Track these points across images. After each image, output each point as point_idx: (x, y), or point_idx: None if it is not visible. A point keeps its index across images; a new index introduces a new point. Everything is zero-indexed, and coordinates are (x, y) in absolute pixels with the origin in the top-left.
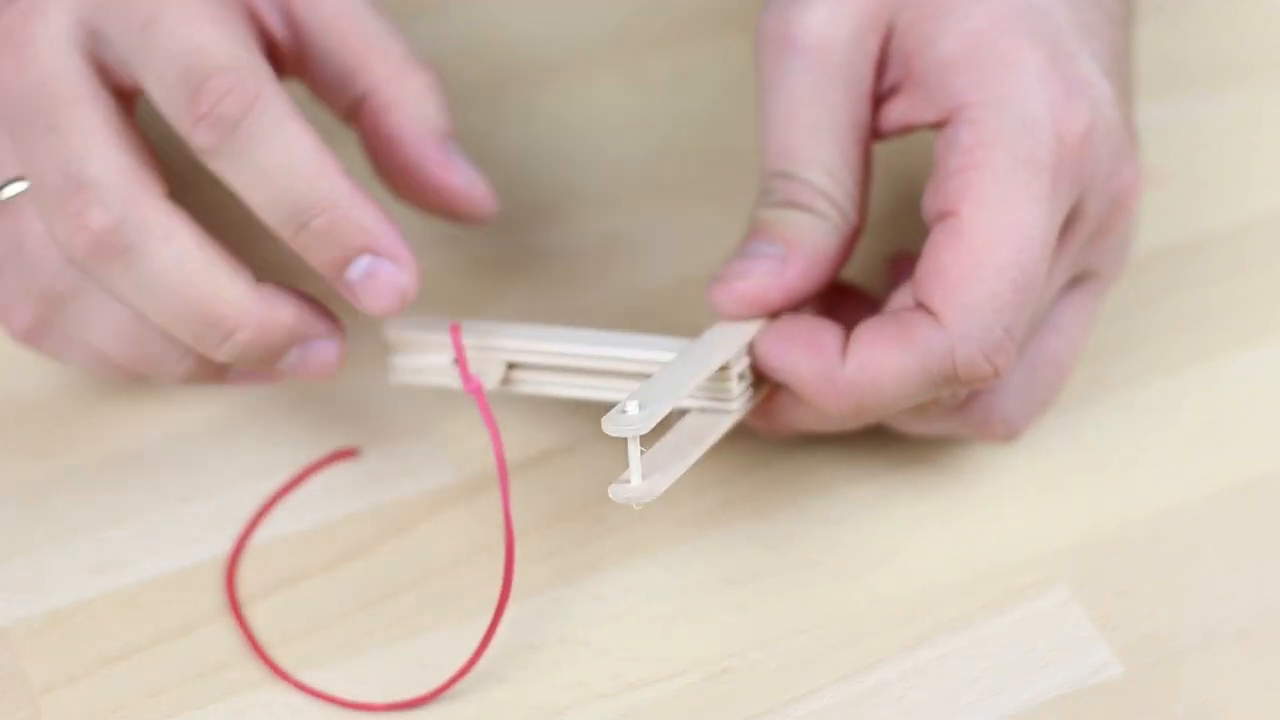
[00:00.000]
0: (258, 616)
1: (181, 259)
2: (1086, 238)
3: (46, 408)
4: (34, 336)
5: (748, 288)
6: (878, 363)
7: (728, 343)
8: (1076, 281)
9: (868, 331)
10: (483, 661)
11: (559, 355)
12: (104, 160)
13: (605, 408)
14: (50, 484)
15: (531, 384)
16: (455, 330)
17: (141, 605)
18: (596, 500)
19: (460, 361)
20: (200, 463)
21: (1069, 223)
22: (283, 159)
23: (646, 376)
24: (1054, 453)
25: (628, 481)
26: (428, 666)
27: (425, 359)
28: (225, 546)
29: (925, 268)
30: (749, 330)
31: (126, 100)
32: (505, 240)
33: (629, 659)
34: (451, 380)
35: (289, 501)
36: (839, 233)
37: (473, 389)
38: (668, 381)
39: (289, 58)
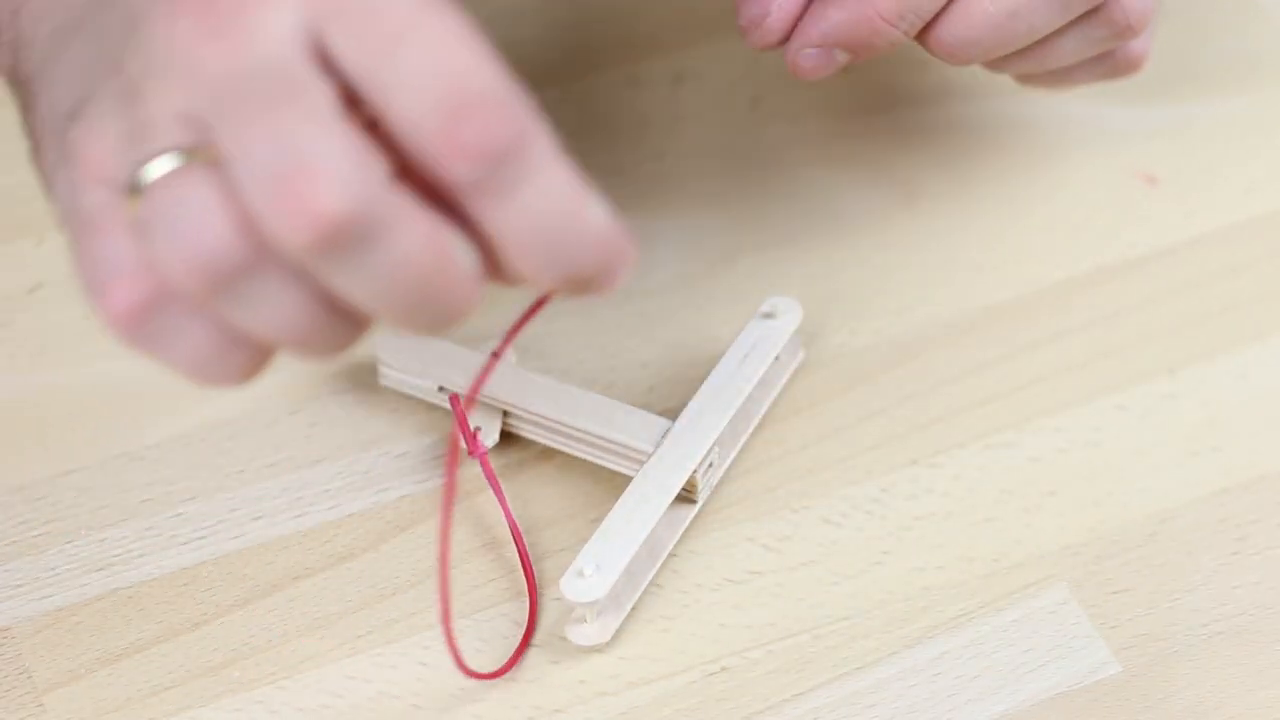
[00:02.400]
0: (258, 615)
1: (420, 247)
2: None
3: (48, 407)
4: (137, 321)
5: (778, 16)
6: None
7: (687, 458)
8: None
9: None
10: (482, 660)
11: (546, 419)
12: (337, 142)
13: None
14: (52, 483)
15: (526, 432)
16: (455, 401)
17: (144, 604)
18: (596, 500)
19: (463, 427)
20: (201, 463)
21: None
22: (554, 202)
23: (632, 454)
24: (1053, 453)
25: (584, 620)
26: (428, 666)
27: (413, 380)
28: (226, 546)
29: None
30: (709, 438)
31: None
32: None
33: (629, 658)
34: (438, 399)
35: (286, 502)
36: None
37: (479, 455)
38: (624, 534)
39: None
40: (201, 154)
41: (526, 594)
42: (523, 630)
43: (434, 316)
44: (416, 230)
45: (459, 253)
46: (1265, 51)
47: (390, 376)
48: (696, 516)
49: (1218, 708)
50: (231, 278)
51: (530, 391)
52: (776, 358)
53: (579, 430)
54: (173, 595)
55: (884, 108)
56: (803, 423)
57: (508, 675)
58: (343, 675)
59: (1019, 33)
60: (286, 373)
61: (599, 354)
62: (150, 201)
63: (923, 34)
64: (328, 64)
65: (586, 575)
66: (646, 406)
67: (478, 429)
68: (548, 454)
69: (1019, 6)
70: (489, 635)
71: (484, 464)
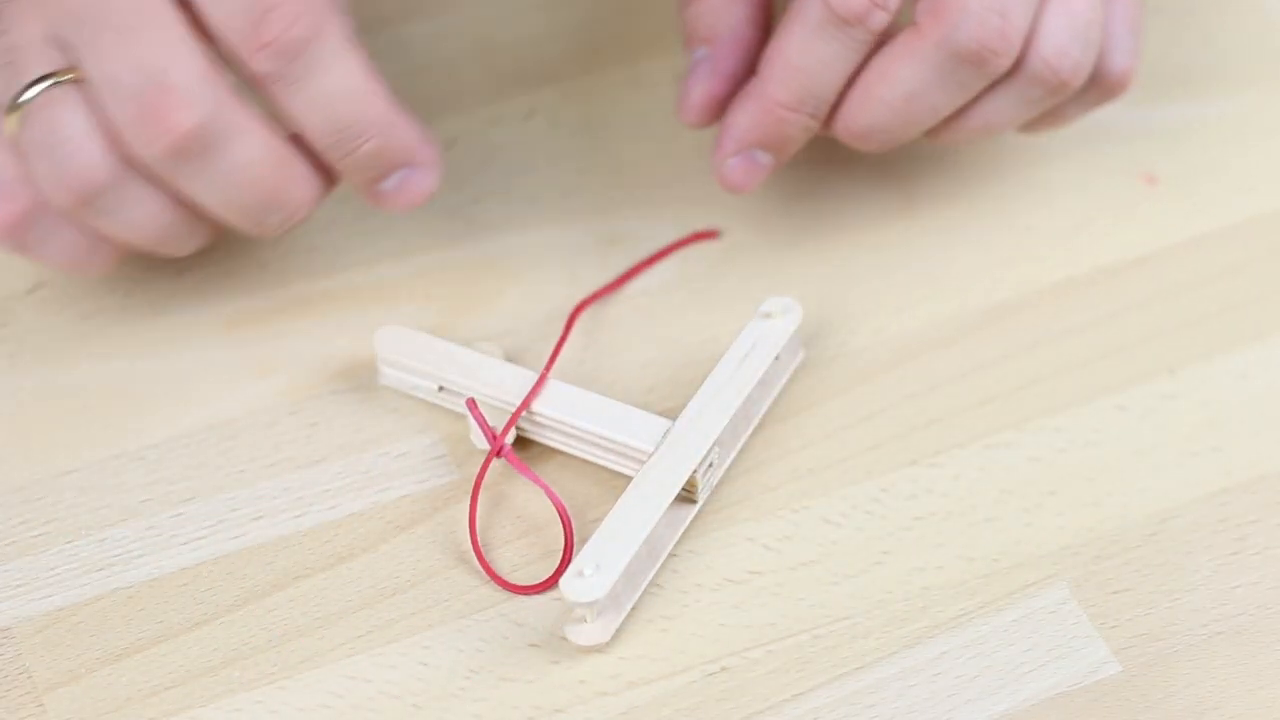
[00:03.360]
0: (258, 615)
1: (260, 153)
2: None
3: (48, 407)
4: (18, 231)
5: (697, 97)
6: (777, 48)
7: (687, 458)
8: None
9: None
10: (482, 660)
11: (547, 418)
12: (186, 63)
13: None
14: (52, 483)
15: (534, 433)
16: (473, 404)
17: (144, 604)
18: (595, 500)
19: (485, 430)
20: (201, 463)
21: None
22: (340, 86)
23: (632, 454)
24: (1052, 453)
25: (584, 620)
26: (428, 666)
27: (413, 380)
28: (226, 546)
29: None
30: (709, 438)
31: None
32: (505, 240)
33: (629, 658)
34: (438, 400)
35: (288, 501)
36: (747, 2)
37: (506, 454)
38: (624, 534)
39: None
40: (69, 75)
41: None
42: (523, 627)
43: (275, 216)
44: (257, 137)
45: (293, 162)
46: (1265, 51)
47: (390, 376)
48: (696, 516)
49: (1218, 708)
50: (100, 194)
51: (524, 390)
52: (777, 358)
53: (580, 429)
54: (173, 595)
55: None
56: (803, 423)
57: (509, 675)
58: (343, 675)
59: (922, 113)
60: (286, 374)
61: (599, 354)
62: (25, 125)
63: (830, 123)
64: None
65: (586, 575)
66: (646, 406)
67: (494, 427)
68: (547, 454)
69: (914, 89)
70: (489, 635)
71: (510, 459)
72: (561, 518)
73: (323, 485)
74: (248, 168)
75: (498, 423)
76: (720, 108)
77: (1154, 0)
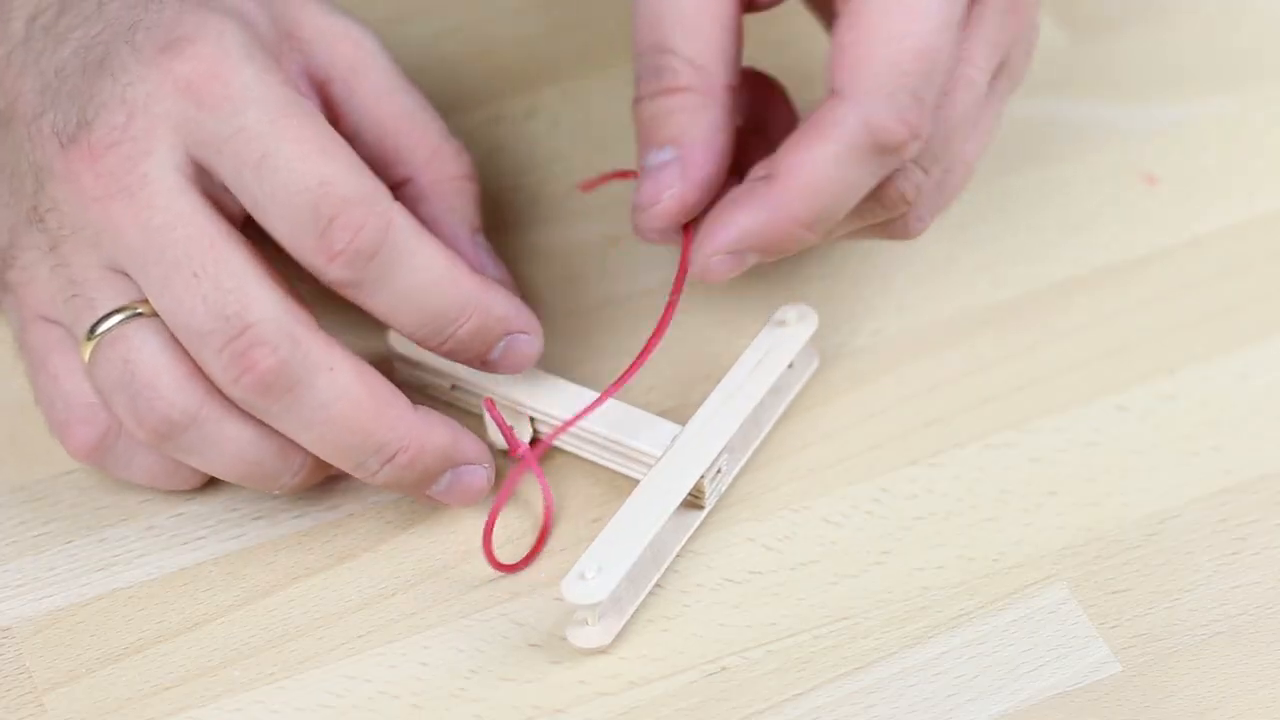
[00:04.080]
0: (258, 615)
1: (346, 390)
2: (1001, 11)
3: None
4: (97, 454)
5: (665, 208)
6: (805, 161)
7: (695, 463)
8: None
9: (789, 140)
10: (482, 660)
11: (556, 420)
12: (262, 300)
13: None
14: (52, 483)
15: (543, 435)
16: (490, 404)
17: (144, 604)
18: (595, 502)
19: (505, 432)
20: None
21: None
22: (422, 278)
23: (640, 458)
24: (1052, 452)
25: (585, 623)
26: (428, 666)
27: (428, 379)
28: (226, 546)
29: (829, 54)
30: (718, 444)
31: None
32: (505, 240)
33: (629, 658)
34: (450, 399)
35: (287, 502)
36: (720, 104)
37: (526, 455)
38: (628, 538)
39: None
40: (140, 309)
41: (524, 592)
42: (523, 627)
43: (359, 456)
44: (339, 376)
45: (381, 397)
46: (1264, 51)
47: (405, 373)
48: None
49: (1218, 707)
50: (181, 432)
51: (539, 392)
52: (790, 365)
53: (587, 432)
54: (173, 595)
55: None
56: (803, 423)
57: (509, 675)
58: (343, 675)
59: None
60: None
61: (599, 354)
62: (98, 360)
63: None
64: (215, 191)
65: (588, 578)
66: (646, 407)
67: (511, 426)
68: (547, 455)
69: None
70: (489, 635)
71: (528, 461)
72: (546, 506)
73: (323, 485)
74: (333, 405)
75: (513, 423)
76: (689, 217)
77: (1154, 0)
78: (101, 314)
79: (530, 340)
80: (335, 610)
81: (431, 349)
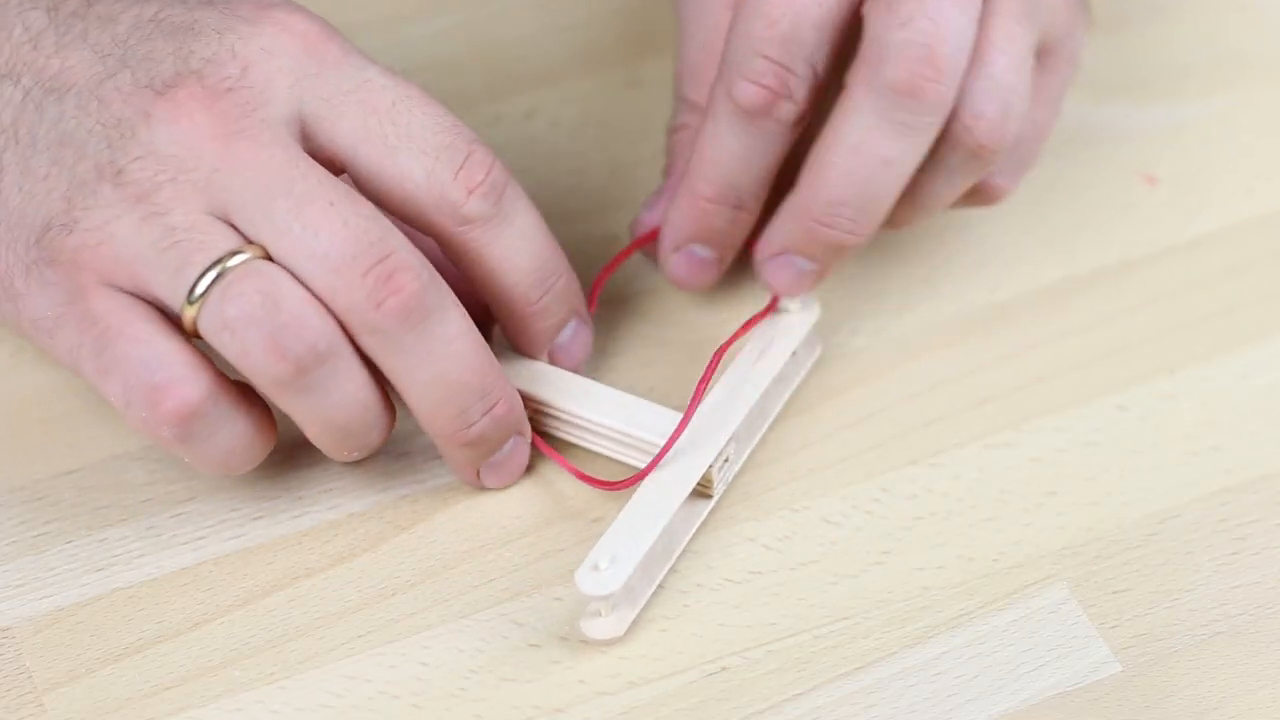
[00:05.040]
0: (258, 615)
1: (469, 328)
2: None
3: (48, 407)
4: (194, 418)
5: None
6: (699, 143)
7: (703, 452)
8: (1043, 56)
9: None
10: (482, 660)
11: (561, 411)
12: (394, 230)
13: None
14: (53, 483)
15: (548, 426)
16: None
17: (144, 604)
18: (596, 500)
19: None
20: None
21: None
22: (534, 225)
23: (644, 446)
24: (1052, 452)
25: (598, 614)
26: (428, 666)
27: None
28: (226, 546)
29: None
30: (725, 432)
31: None
32: None
33: (629, 658)
34: None
35: (287, 502)
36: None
37: (533, 438)
38: (639, 528)
39: None
40: (256, 251)
41: (524, 592)
42: (523, 627)
43: (469, 398)
44: (462, 311)
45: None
46: (1264, 51)
47: None
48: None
49: (1218, 707)
50: (321, 363)
51: (545, 383)
52: (794, 353)
53: (593, 422)
54: (173, 595)
55: None
56: (803, 423)
57: (509, 675)
58: (343, 675)
59: (875, 168)
60: None
61: (599, 354)
62: (226, 299)
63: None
64: (321, 143)
65: (602, 569)
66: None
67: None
68: (559, 446)
69: (859, 141)
70: (489, 635)
71: (537, 443)
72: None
73: (323, 485)
74: (460, 338)
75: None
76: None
77: (1154, 0)
78: (216, 255)
79: (590, 332)
80: (335, 610)
81: (526, 306)
